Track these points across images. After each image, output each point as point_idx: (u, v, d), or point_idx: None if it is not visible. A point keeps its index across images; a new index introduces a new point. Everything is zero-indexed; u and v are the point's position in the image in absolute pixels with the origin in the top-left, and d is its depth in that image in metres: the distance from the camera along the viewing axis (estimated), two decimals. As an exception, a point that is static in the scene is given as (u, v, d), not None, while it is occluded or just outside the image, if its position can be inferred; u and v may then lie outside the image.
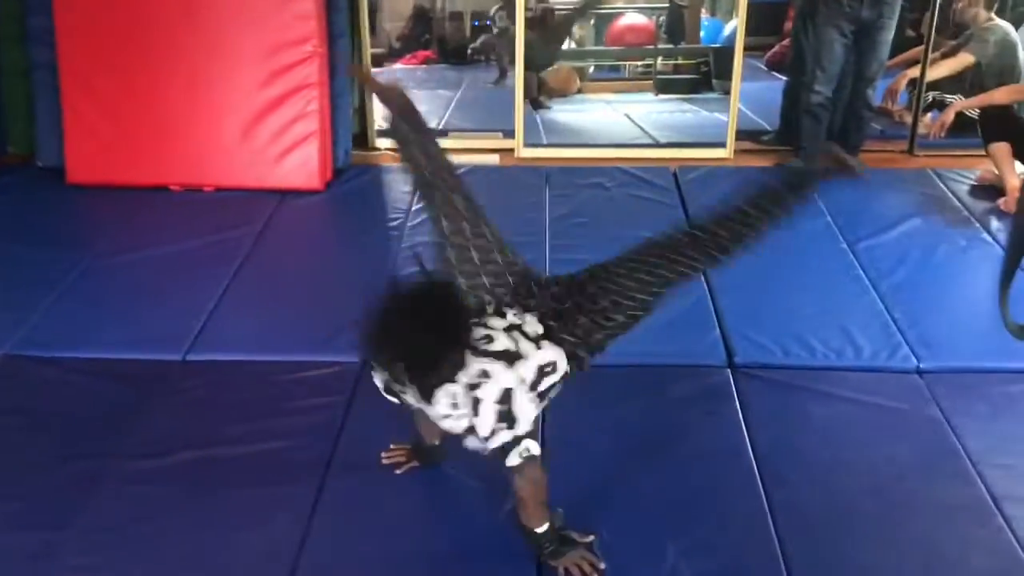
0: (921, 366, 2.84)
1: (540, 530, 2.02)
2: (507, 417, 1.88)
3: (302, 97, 4.00)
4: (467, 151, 4.60)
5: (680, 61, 6.52)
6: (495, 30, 6.37)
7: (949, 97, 4.71)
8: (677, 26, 6.48)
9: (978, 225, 3.79)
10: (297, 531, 2.16)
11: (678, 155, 4.61)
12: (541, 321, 2.00)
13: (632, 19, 6.62)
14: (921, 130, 4.65)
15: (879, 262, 3.45)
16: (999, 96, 4.18)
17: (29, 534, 2.15)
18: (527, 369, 1.93)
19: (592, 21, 6.88)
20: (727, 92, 4.73)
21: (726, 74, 4.83)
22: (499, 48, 6.17)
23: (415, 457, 2.35)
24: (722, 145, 4.63)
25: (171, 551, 2.13)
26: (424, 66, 6.96)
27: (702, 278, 3.30)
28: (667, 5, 6.48)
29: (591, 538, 2.10)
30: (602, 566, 2.05)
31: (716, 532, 2.18)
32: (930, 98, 4.79)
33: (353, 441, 2.46)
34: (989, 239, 3.67)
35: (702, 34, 6.60)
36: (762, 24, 5.90)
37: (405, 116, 2.31)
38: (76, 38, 3.99)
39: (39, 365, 2.81)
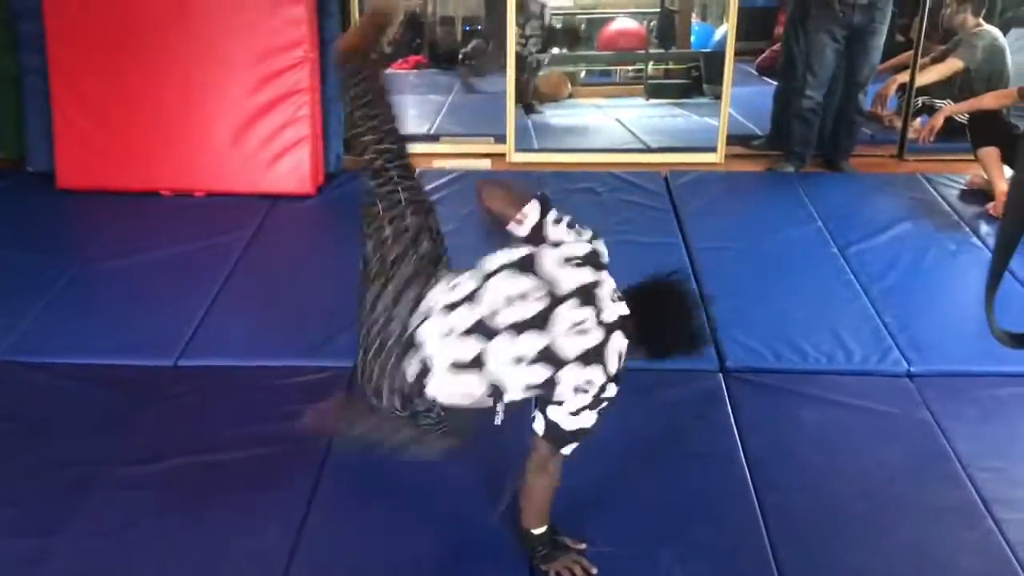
0: (911, 370, 2.85)
1: (538, 532, 2.02)
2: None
3: (293, 102, 4.00)
4: (458, 156, 4.61)
5: (671, 66, 6.55)
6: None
7: (938, 102, 4.73)
8: (668, 31, 6.51)
9: (967, 229, 3.81)
10: (289, 537, 2.16)
11: (669, 160, 4.62)
12: None
13: (623, 24, 6.64)
14: (911, 135, 4.67)
15: (869, 266, 3.46)
16: (988, 101, 4.20)
17: (20, 541, 2.15)
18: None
19: (584, 26, 6.90)
20: (718, 97, 4.75)
21: (717, 79, 4.85)
22: (477, 53, 6.19)
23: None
24: (713, 150, 4.65)
25: (163, 557, 2.12)
26: (415, 71, 6.97)
27: (694, 283, 3.31)
28: (658, 10, 6.50)
29: (583, 545, 2.10)
30: (594, 571, 2.05)
31: (708, 536, 2.19)
32: (919, 103, 4.82)
33: (345, 447, 2.45)
34: (978, 243, 3.69)
35: (693, 39, 6.62)
36: (752, 29, 5.92)
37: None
38: (66, 44, 3.97)
39: (29, 371, 2.80)
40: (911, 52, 4.74)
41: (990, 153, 3.99)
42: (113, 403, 2.66)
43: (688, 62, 6.37)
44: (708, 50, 6.29)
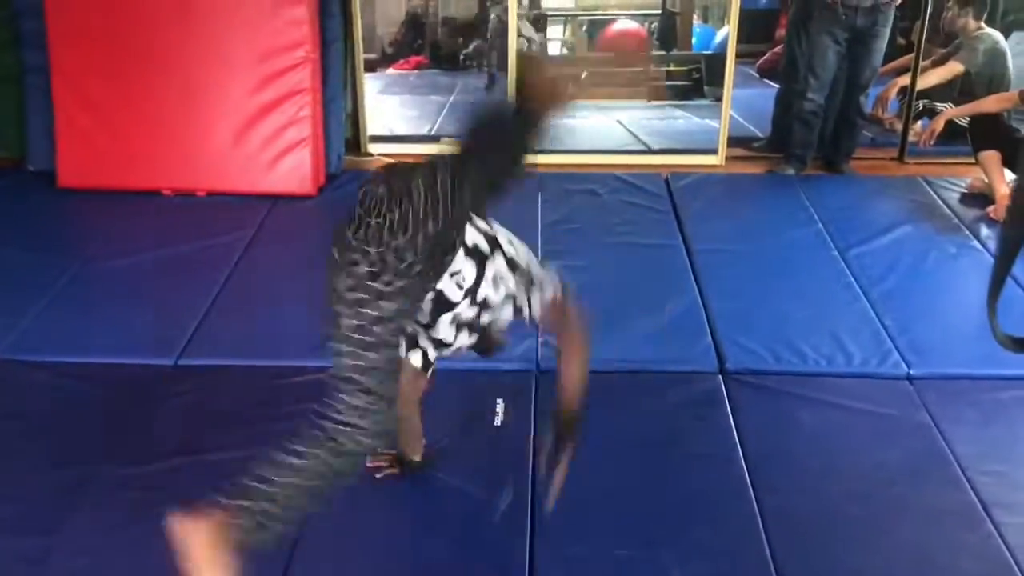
0: (911, 372, 2.86)
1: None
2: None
3: (295, 102, 4.01)
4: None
5: (672, 68, 6.54)
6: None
7: (939, 105, 4.73)
8: (669, 33, 6.50)
9: (968, 233, 3.81)
10: (288, 537, 2.15)
11: (670, 161, 4.62)
12: None
13: (624, 25, 6.64)
14: (912, 138, 4.67)
15: (870, 269, 3.46)
16: (989, 104, 4.20)
17: (20, 539, 2.15)
18: None
19: (585, 27, 6.90)
20: (719, 99, 4.75)
21: (718, 81, 4.86)
22: (489, 55, 6.18)
23: (397, 465, 2.33)
24: (714, 152, 4.65)
25: (162, 557, 2.12)
26: (416, 71, 6.97)
27: (694, 284, 3.32)
28: (659, 12, 6.50)
29: None
30: None
31: (708, 537, 2.19)
32: (920, 106, 4.82)
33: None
34: (979, 247, 3.69)
35: (694, 41, 6.62)
36: (754, 31, 5.92)
37: None
38: (69, 42, 3.98)
39: (30, 369, 2.81)
40: (912, 55, 4.74)
41: (991, 156, 3.99)
42: (113, 402, 2.67)
43: (689, 64, 6.36)
44: (709, 52, 6.29)
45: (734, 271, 3.44)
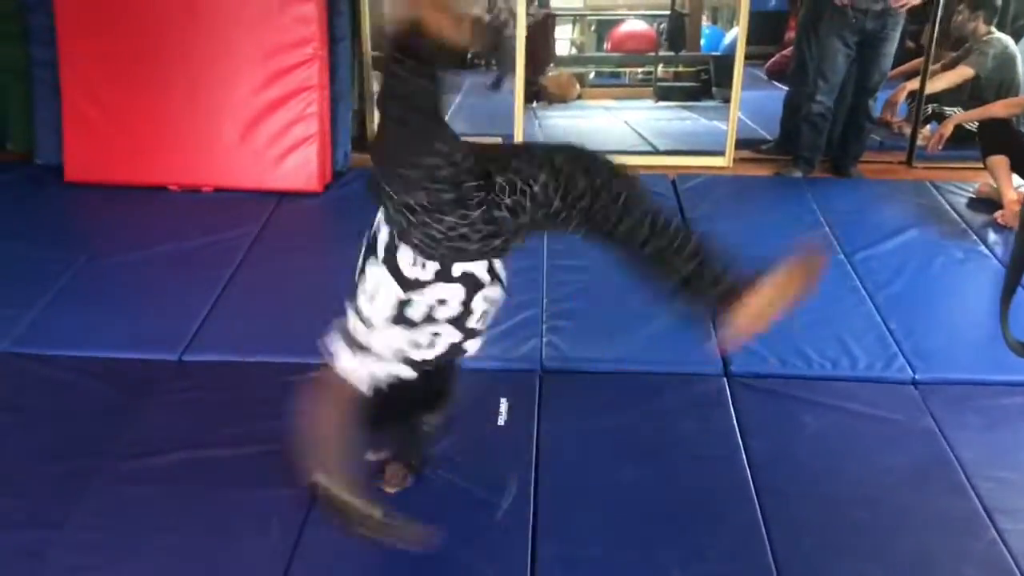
0: (916, 377, 2.85)
1: None
2: None
3: (302, 99, 4.01)
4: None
5: (680, 69, 6.54)
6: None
7: (948, 109, 4.72)
8: (678, 34, 6.49)
9: (975, 238, 3.80)
10: (291, 534, 2.16)
11: (677, 163, 4.62)
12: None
13: (633, 26, 6.64)
14: (920, 142, 4.66)
15: (876, 273, 3.45)
16: (998, 109, 4.19)
17: (23, 532, 2.16)
18: None
19: (593, 27, 6.90)
20: (727, 100, 4.74)
21: (726, 82, 4.85)
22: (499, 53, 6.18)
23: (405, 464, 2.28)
24: (721, 154, 4.64)
25: (164, 552, 2.13)
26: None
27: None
28: (668, 12, 6.49)
29: None
30: None
31: (709, 540, 2.19)
32: (929, 110, 4.81)
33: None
34: (986, 252, 3.68)
35: (703, 42, 6.61)
36: (763, 33, 5.91)
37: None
38: (77, 37, 3.99)
39: (35, 363, 2.81)
40: (921, 59, 4.73)
41: (999, 162, 3.97)
42: (117, 397, 2.67)
43: (698, 65, 6.36)
44: (718, 53, 6.29)
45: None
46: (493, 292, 1.85)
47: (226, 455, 2.42)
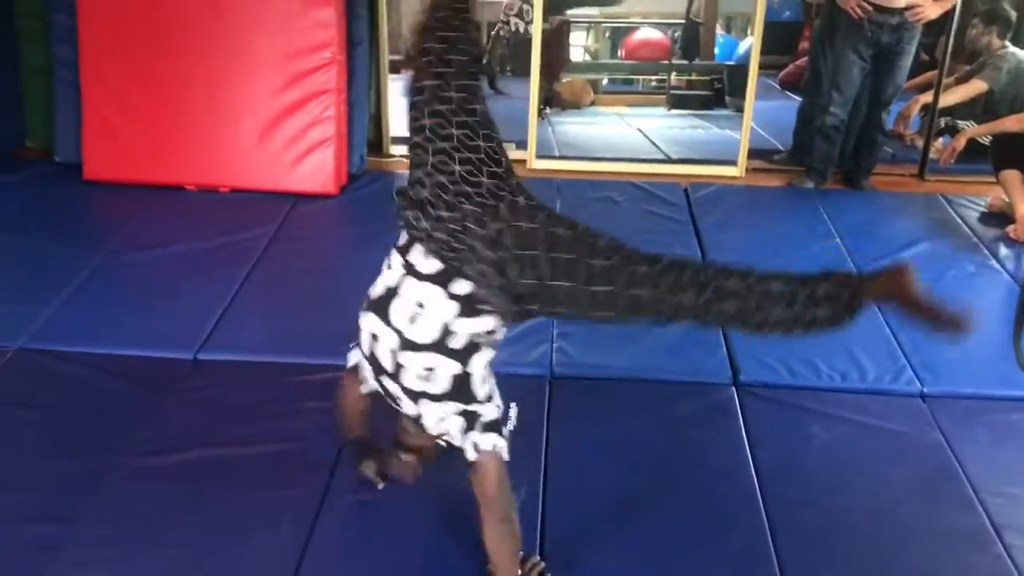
0: (925, 390, 2.86)
1: None
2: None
3: (320, 102, 4.04)
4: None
5: (694, 77, 6.55)
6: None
7: (961, 123, 4.72)
8: (692, 42, 6.51)
9: (987, 252, 3.80)
10: (301, 533, 2.18)
11: (689, 171, 4.63)
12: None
13: (647, 34, 6.65)
14: (932, 155, 4.66)
15: (886, 285, 3.45)
16: (1011, 123, 4.19)
17: (36, 526, 2.18)
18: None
19: (608, 34, 6.92)
20: (740, 110, 4.75)
21: (739, 92, 4.86)
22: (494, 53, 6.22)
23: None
24: (733, 163, 4.65)
25: (176, 550, 2.15)
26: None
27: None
28: (683, 21, 6.51)
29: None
30: None
31: (716, 549, 2.20)
32: (942, 123, 4.81)
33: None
34: (997, 266, 3.68)
35: (717, 51, 6.63)
36: (777, 43, 5.92)
37: None
38: (98, 37, 4.03)
39: (52, 359, 2.84)
40: (935, 72, 4.73)
41: (1012, 176, 3.98)
42: (132, 394, 2.70)
43: (711, 74, 6.37)
44: (732, 62, 6.30)
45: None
46: None
47: (239, 454, 2.45)
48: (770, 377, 2.87)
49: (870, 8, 4.07)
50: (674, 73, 6.50)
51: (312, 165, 4.07)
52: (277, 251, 3.59)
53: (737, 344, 3.00)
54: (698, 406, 2.73)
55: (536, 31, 4.59)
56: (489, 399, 1.92)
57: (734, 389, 2.82)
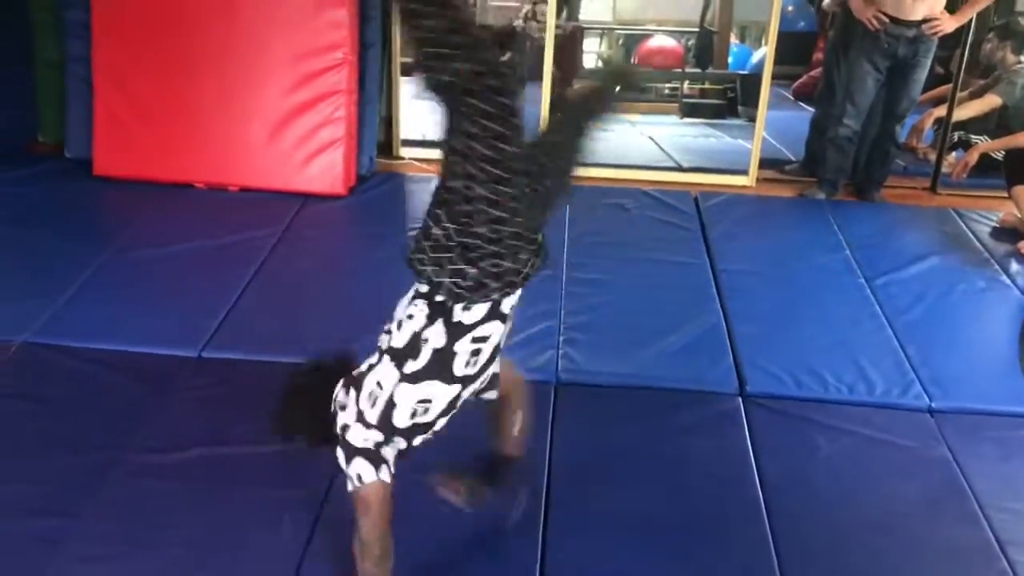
0: (932, 405, 2.84)
1: None
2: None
3: (330, 103, 4.04)
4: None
5: (707, 86, 6.54)
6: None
7: (975, 137, 4.70)
8: (706, 51, 6.50)
9: (997, 267, 3.78)
10: (303, 533, 2.18)
11: (700, 180, 4.62)
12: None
13: (661, 42, 6.64)
14: (945, 169, 4.64)
15: (896, 299, 3.44)
16: (1024, 139, 4.17)
17: (39, 520, 2.19)
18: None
19: (621, 41, 6.92)
20: (752, 119, 4.74)
21: (752, 101, 4.85)
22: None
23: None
24: (745, 173, 4.64)
25: (177, 547, 2.15)
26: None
27: (718, 305, 3.31)
28: (697, 29, 6.50)
29: None
30: None
31: (719, 560, 2.19)
32: (955, 137, 4.79)
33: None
34: (1008, 282, 3.66)
35: (730, 60, 6.62)
36: (791, 53, 5.91)
37: None
38: (111, 33, 4.04)
39: (57, 354, 2.85)
40: (950, 85, 4.71)
41: (1025, 192, 3.96)
42: (136, 390, 2.70)
43: (724, 83, 6.36)
44: (745, 72, 6.29)
45: (759, 293, 3.44)
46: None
47: (242, 452, 2.45)
48: (777, 388, 2.86)
49: (887, 20, 4.05)
50: (687, 81, 6.49)
51: (321, 166, 4.07)
52: (284, 251, 3.59)
53: (744, 354, 2.99)
54: (704, 415, 2.72)
55: (549, 37, 4.58)
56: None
57: (740, 399, 2.81)
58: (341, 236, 3.98)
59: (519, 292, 1.80)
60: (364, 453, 1.86)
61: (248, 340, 2.96)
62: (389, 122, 4.66)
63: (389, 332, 1.85)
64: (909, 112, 4.39)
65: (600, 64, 6.79)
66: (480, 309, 1.75)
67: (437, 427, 1.90)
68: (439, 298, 1.74)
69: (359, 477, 1.85)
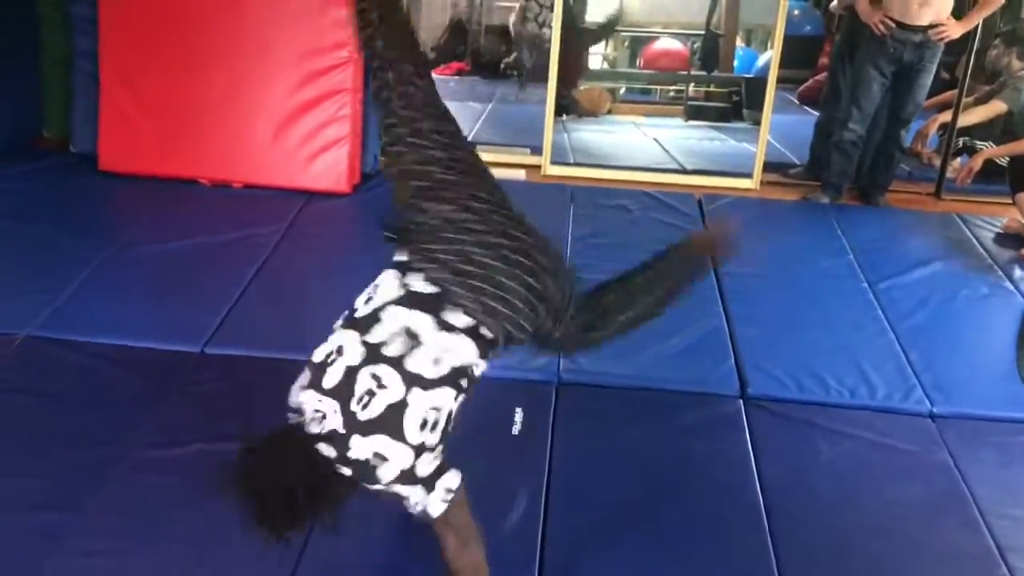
0: (934, 410, 2.84)
1: None
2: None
3: (335, 101, 4.04)
4: (494, 165, 4.60)
5: (712, 89, 6.55)
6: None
7: (980, 143, 4.70)
8: (711, 54, 6.51)
9: (1001, 273, 3.78)
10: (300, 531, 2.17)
11: (704, 183, 4.62)
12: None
13: (667, 44, 6.66)
14: (949, 174, 4.64)
15: (899, 303, 3.44)
16: (1030, 145, 4.17)
17: (41, 514, 2.19)
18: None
19: (627, 43, 6.93)
20: (757, 123, 4.75)
21: (757, 104, 4.85)
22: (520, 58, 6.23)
23: None
24: (749, 176, 4.64)
25: (178, 542, 2.15)
26: (456, 77, 7.02)
27: (721, 307, 3.31)
28: (703, 32, 6.51)
29: None
30: None
31: (718, 562, 2.19)
32: (960, 143, 4.79)
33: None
34: (1011, 288, 3.65)
35: (735, 63, 6.62)
36: (796, 57, 5.92)
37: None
38: (118, 29, 4.05)
39: (60, 348, 2.85)
40: (955, 91, 4.71)
41: (1029, 198, 3.96)
42: (139, 385, 2.71)
43: (729, 86, 6.37)
44: (750, 75, 6.30)
45: (762, 296, 3.43)
46: None
47: (243, 449, 2.44)
48: (778, 391, 2.86)
49: (893, 25, 4.05)
50: (692, 84, 6.50)
51: (326, 163, 4.08)
52: (288, 248, 3.60)
53: (746, 356, 2.99)
54: (705, 417, 2.72)
55: (555, 38, 4.58)
56: None
57: (742, 402, 2.81)
58: (345, 234, 3.97)
59: None
60: (437, 470, 1.83)
61: (251, 336, 2.96)
62: (394, 121, 4.66)
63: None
64: (914, 117, 4.39)
65: (606, 65, 6.80)
66: None
67: None
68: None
69: (449, 491, 1.83)
